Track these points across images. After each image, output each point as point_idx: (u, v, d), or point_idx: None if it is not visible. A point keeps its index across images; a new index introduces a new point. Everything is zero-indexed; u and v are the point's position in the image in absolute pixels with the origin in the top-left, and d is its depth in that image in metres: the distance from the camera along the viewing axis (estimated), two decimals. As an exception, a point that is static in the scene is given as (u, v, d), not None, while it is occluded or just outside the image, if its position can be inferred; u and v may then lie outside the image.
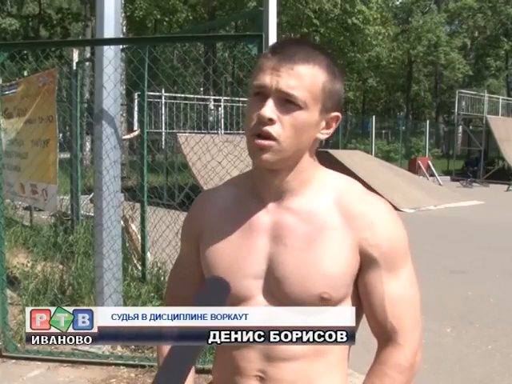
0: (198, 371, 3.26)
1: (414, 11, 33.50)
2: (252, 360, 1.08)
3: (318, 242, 1.06)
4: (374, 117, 22.06)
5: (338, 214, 1.07)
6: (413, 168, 18.53)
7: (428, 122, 23.77)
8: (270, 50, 1.04)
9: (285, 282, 1.06)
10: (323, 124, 1.07)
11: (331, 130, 1.09)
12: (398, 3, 33.86)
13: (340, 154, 13.98)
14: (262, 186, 1.10)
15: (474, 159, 20.77)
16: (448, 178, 19.95)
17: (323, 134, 1.08)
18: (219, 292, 0.83)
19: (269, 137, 1.01)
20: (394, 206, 10.13)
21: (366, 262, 1.07)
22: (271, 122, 1.00)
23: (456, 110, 21.28)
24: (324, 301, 1.04)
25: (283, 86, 0.99)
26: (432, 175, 18.18)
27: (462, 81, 34.87)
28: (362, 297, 1.09)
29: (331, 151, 13.57)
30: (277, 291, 1.07)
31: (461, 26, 34.48)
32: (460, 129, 25.06)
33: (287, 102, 1.00)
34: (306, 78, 1.00)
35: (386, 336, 1.08)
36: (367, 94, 42.51)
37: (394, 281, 1.07)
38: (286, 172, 1.07)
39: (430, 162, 19.03)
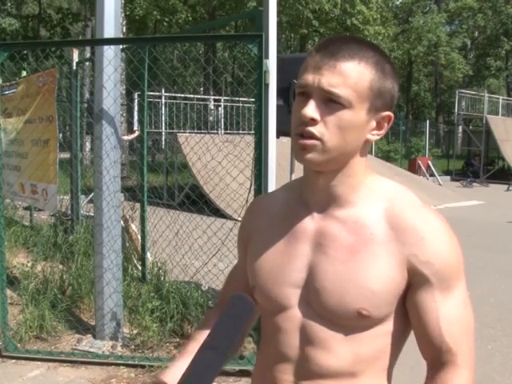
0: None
1: (414, 11, 33.50)
2: (288, 372, 1.07)
3: (361, 255, 1.00)
4: (373, 117, 21.96)
5: (387, 225, 1.00)
6: (413, 168, 18.52)
7: (428, 121, 23.74)
8: (314, 48, 1.00)
9: (323, 293, 1.01)
10: (373, 124, 1.00)
11: (383, 131, 1.02)
12: (398, 3, 33.84)
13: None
14: (308, 190, 1.06)
15: (472, 162, 20.72)
16: (448, 177, 19.93)
17: (374, 135, 1.02)
18: (241, 314, 0.77)
19: (312, 137, 0.96)
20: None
21: (417, 280, 1.00)
22: (313, 121, 0.96)
23: (456, 110, 21.26)
24: (362, 317, 0.99)
25: (325, 85, 0.94)
26: (432, 175, 18.17)
27: (462, 81, 34.88)
28: (412, 317, 1.02)
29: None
30: (314, 302, 1.03)
31: (461, 26, 34.48)
32: (460, 129, 25.07)
33: (330, 101, 0.95)
34: (350, 75, 0.95)
35: (441, 358, 1.01)
36: (367, 94, 42.48)
37: (448, 301, 1.00)
38: (333, 174, 1.02)
39: (430, 162, 19.02)
